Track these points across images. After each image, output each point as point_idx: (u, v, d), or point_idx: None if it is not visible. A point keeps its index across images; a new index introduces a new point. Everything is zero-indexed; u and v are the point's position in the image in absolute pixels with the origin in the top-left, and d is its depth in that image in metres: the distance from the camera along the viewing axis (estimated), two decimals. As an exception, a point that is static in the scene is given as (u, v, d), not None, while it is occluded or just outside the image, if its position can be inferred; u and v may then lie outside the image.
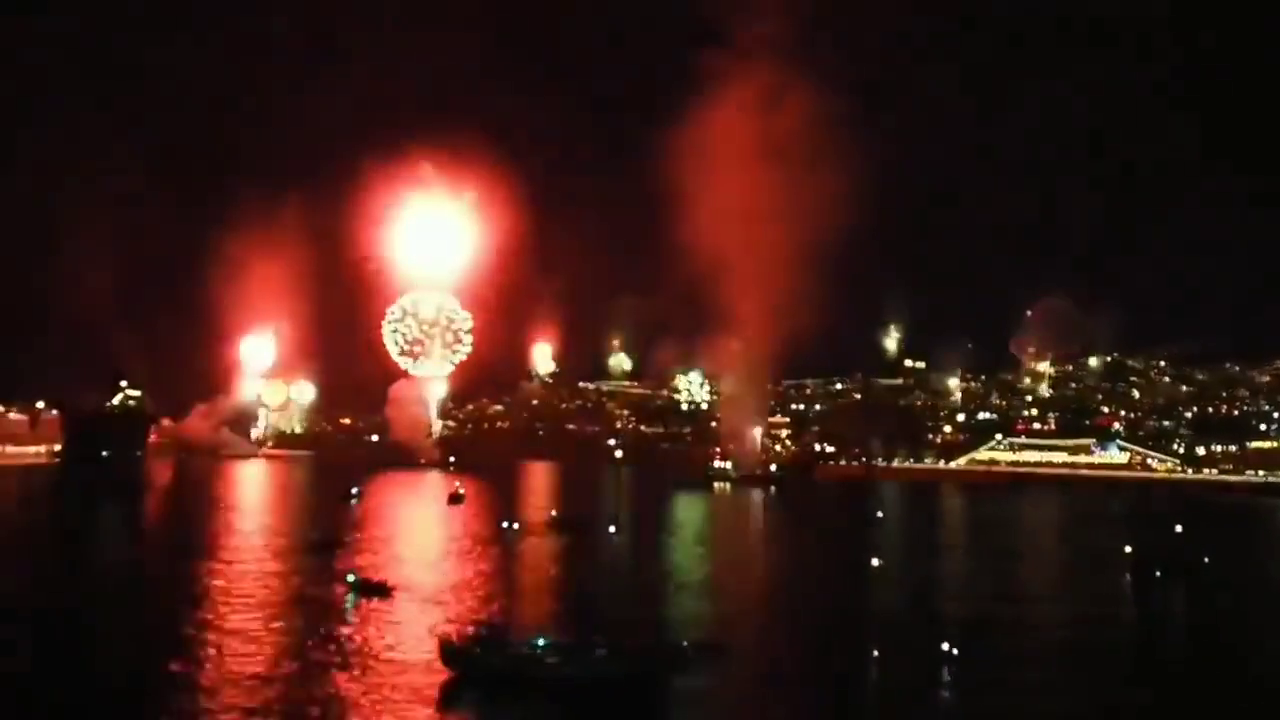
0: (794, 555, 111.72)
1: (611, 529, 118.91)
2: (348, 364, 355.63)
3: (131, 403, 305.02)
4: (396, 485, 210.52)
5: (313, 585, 76.35)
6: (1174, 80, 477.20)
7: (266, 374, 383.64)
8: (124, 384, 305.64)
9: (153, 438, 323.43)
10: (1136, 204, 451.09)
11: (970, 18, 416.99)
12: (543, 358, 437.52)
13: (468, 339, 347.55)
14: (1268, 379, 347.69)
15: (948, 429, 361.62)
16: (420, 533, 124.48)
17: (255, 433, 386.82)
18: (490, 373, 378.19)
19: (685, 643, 54.85)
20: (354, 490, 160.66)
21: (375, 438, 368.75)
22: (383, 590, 72.15)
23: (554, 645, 51.30)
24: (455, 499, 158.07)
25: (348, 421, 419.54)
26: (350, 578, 75.10)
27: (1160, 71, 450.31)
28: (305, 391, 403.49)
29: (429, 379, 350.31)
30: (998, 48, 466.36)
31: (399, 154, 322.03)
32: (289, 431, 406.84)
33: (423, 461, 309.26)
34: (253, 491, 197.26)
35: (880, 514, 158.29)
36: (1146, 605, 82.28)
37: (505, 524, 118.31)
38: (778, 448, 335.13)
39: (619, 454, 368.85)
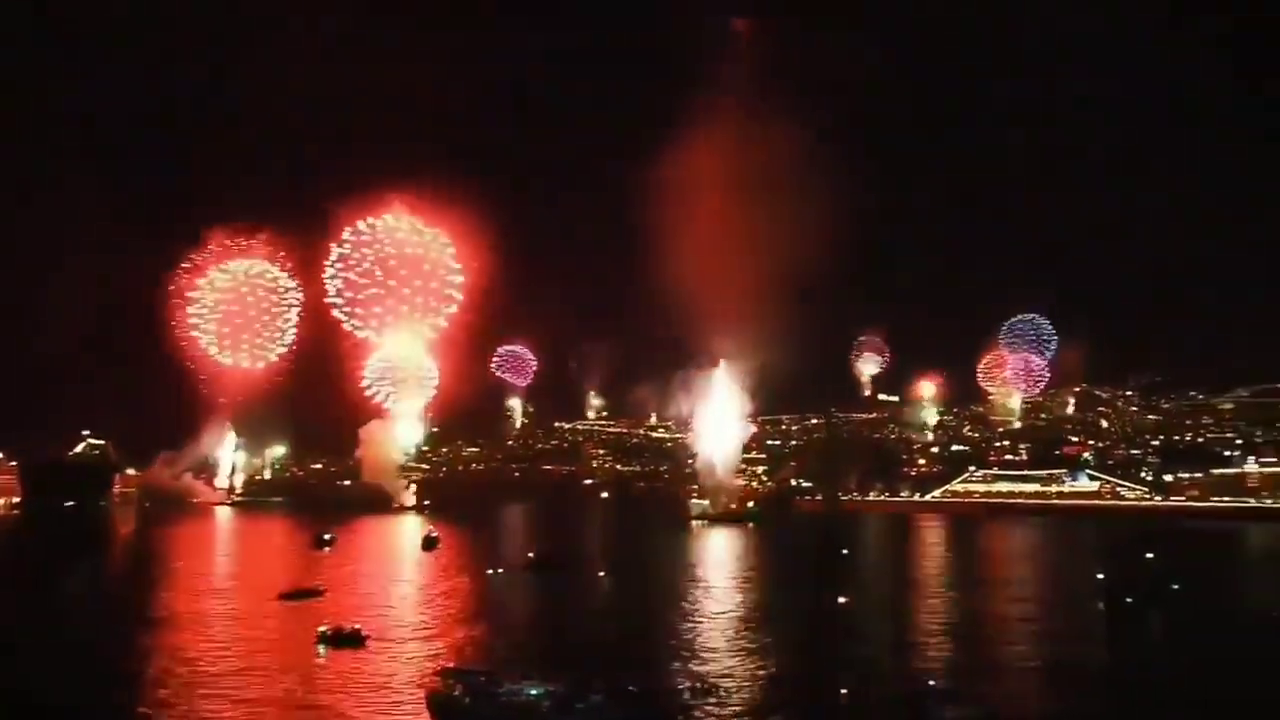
0: (772, 593, 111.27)
1: (601, 573, 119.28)
2: (318, 407, 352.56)
3: (95, 452, 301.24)
4: (370, 530, 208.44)
5: (285, 638, 75.40)
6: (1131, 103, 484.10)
7: (236, 420, 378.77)
8: (87, 433, 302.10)
9: (117, 487, 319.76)
10: (1102, 239, 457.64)
11: (930, 56, 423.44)
12: (518, 398, 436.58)
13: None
14: (1230, 406, 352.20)
15: (922, 462, 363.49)
16: (395, 579, 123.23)
17: (223, 480, 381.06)
18: (465, 414, 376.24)
19: (681, 685, 54.61)
20: (326, 537, 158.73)
21: (348, 482, 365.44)
22: (356, 640, 71.34)
23: (549, 692, 50.39)
24: (429, 543, 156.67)
25: (319, 466, 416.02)
26: (322, 628, 74.18)
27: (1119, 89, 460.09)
28: (275, 437, 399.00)
29: (401, 421, 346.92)
30: (956, 83, 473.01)
31: (372, 195, 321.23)
32: (258, 478, 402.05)
33: (397, 505, 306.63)
34: (220, 540, 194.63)
35: (845, 550, 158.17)
36: (1120, 632, 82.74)
37: (490, 570, 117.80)
38: (754, 484, 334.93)
39: (605, 494, 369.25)
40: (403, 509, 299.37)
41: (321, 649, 69.87)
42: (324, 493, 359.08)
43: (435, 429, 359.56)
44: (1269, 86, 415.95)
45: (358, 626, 74.65)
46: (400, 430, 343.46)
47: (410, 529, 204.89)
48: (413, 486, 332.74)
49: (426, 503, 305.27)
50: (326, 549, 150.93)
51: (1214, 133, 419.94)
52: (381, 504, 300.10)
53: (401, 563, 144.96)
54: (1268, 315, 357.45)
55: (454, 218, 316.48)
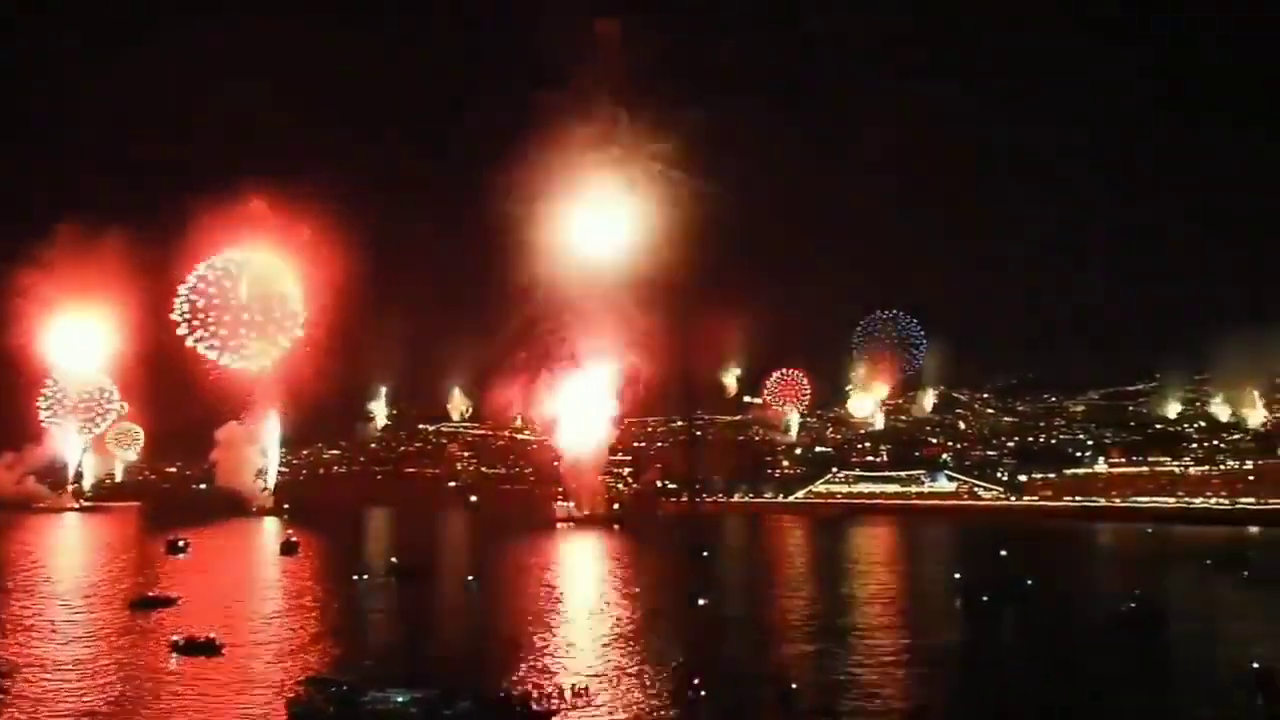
0: (638, 595, 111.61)
1: (468, 578, 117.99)
2: (173, 408, 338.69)
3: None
4: (227, 535, 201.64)
5: (135, 647, 71.95)
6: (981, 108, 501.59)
7: (85, 421, 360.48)
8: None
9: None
10: (958, 247, 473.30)
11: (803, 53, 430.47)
12: (380, 400, 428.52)
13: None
14: (1082, 409, 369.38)
15: (785, 463, 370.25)
16: (252, 586, 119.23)
17: (70, 483, 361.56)
18: (326, 416, 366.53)
19: (549, 690, 54.26)
20: (180, 542, 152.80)
21: (204, 485, 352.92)
22: (211, 649, 68.57)
23: (415, 700, 49.30)
24: (288, 548, 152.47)
25: (174, 469, 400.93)
26: (175, 637, 71.10)
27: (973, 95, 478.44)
28: (128, 438, 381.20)
29: (260, 421, 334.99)
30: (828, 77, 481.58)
31: (232, 194, 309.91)
32: (109, 481, 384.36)
33: (255, 509, 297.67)
34: (67, 547, 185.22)
35: (706, 553, 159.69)
36: (976, 628, 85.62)
37: (353, 576, 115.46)
38: (620, 486, 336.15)
39: (473, 498, 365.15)
40: (260, 513, 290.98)
41: (174, 659, 66.91)
42: (178, 496, 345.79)
43: (293, 431, 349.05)
44: (1124, 86, 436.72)
45: (213, 635, 71.71)
46: (260, 431, 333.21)
47: (268, 533, 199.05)
48: (269, 489, 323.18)
49: (285, 506, 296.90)
50: (180, 555, 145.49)
51: (1088, 135, 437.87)
52: (238, 508, 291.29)
53: (259, 569, 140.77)
54: (1117, 320, 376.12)
55: (311, 216, 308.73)
